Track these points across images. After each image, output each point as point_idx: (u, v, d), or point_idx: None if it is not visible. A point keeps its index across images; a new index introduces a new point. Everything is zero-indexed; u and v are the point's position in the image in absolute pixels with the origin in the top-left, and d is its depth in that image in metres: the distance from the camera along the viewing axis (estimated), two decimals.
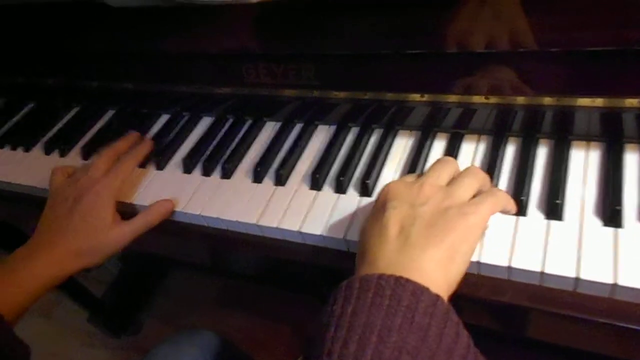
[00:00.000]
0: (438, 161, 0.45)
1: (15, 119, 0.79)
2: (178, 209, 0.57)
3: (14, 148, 0.73)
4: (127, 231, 0.55)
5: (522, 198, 0.46)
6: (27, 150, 0.72)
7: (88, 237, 0.54)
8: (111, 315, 1.35)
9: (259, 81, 0.60)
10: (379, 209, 0.41)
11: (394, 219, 0.39)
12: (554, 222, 0.44)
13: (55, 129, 0.75)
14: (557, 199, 0.45)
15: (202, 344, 0.64)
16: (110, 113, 0.75)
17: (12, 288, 0.50)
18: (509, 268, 0.43)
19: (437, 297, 0.34)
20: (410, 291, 0.33)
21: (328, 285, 0.56)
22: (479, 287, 0.45)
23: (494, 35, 0.48)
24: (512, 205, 0.45)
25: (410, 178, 0.45)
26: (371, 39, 0.52)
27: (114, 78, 0.71)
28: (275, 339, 1.23)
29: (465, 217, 0.38)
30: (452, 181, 0.42)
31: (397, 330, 0.31)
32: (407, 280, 0.34)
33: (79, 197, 0.55)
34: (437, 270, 0.36)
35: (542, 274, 0.42)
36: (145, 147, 0.63)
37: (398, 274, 0.34)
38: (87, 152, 0.69)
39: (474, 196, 0.42)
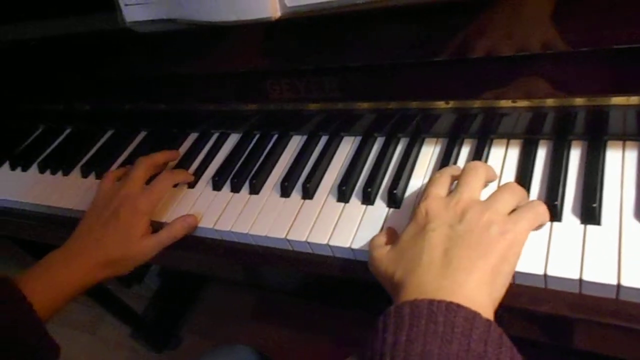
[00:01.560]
0: (468, 170, 0.44)
1: (54, 145, 0.82)
2: (209, 226, 0.58)
3: (53, 172, 0.76)
4: (153, 244, 0.57)
5: (556, 203, 0.44)
6: (65, 174, 0.75)
7: (119, 248, 0.56)
8: (152, 331, 1.38)
9: (283, 96, 0.60)
10: (419, 231, 0.40)
11: (435, 240, 0.38)
12: (590, 227, 0.43)
13: (91, 153, 0.77)
14: (594, 203, 0.43)
15: (239, 358, 0.64)
16: (142, 134, 0.77)
17: (46, 291, 0.53)
18: (545, 276, 0.41)
19: (490, 322, 0.33)
20: (463, 317, 0.33)
21: (364, 299, 0.55)
22: (517, 296, 0.43)
23: (520, 38, 0.46)
24: (548, 217, 0.43)
25: (443, 190, 0.44)
26: (393, 48, 0.52)
27: (144, 100, 0.73)
28: (313, 352, 1.23)
29: (505, 236, 0.38)
30: (490, 196, 0.41)
31: (454, 357, 0.31)
32: (459, 306, 0.33)
33: (117, 210, 0.57)
34: (482, 293, 0.36)
35: (580, 281, 0.40)
36: (184, 174, 0.65)
37: (448, 299, 0.34)
38: None
39: (513, 210, 0.41)
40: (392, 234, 0.47)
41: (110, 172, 0.64)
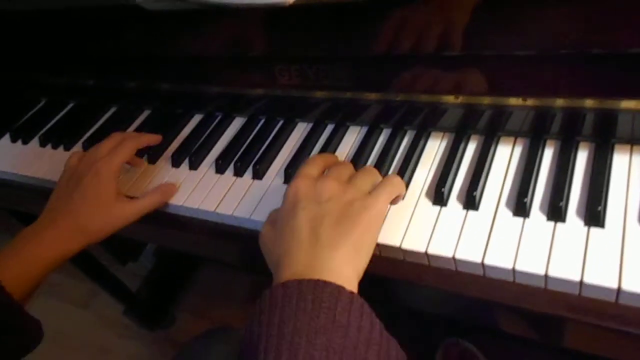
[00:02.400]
0: (338, 163, 0.49)
1: (56, 119, 0.81)
2: (211, 209, 0.58)
3: (55, 147, 0.76)
4: (131, 209, 0.57)
5: (561, 204, 0.44)
6: (67, 149, 0.75)
7: (89, 213, 0.55)
8: (145, 309, 1.38)
9: (291, 82, 0.60)
10: (289, 210, 0.43)
11: (304, 219, 0.41)
12: (594, 230, 0.43)
13: (93, 129, 0.77)
14: (599, 206, 0.43)
15: (231, 342, 0.65)
16: (146, 113, 0.77)
17: (19, 267, 0.52)
18: (546, 277, 0.41)
19: (352, 294, 0.37)
20: (329, 292, 0.36)
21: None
22: (516, 295, 0.44)
23: (532, 36, 0.46)
24: (404, 188, 0.49)
25: (314, 170, 0.47)
26: (405, 40, 0.52)
27: (149, 79, 0.72)
28: None
29: (368, 210, 0.42)
30: (351, 177, 0.46)
31: (322, 331, 0.34)
32: (325, 282, 0.37)
33: (81, 176, 0.57)
34: (347, 266, 0.40)
35: (581, 283, 0.40)
36: (150, 137, 0.64)
37: (316, 276, 0.37)
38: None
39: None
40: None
41: (74, 153, 0.63)
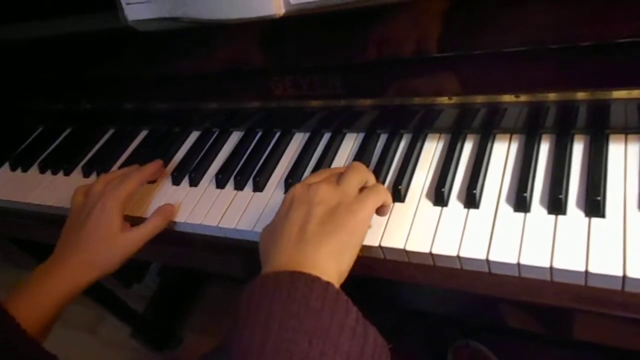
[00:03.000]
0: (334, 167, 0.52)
1: (54, 145, 0.82)
2: (213, 224, 0.58)
3: (54, 173, 0.76)
4: (135, 236, 0.58)
5: (560, 196, 0.45)
6: (66, 174, 0.75)
7: (96, 247, 0.56)
8: (152, 331, 1.38)
9: (286, 93, 0.60)
10: (284, 211, 0.46)
11: (295, 219, 0.44)
12: (595, 220, 0.43)
13: (92, 152, 0.77)
14: (598, 196, 0.44)
15: None
16: (143, 133, 0.77)
17: (33, 305, 0.53)
18: (551, 268, 0.42)
19: (328, 283, 0.38)
20: (304, 281, 0.38)
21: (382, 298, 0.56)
22: (523, 289, 0.44)
23: (519, 33, 0.47)
24: (390, 201, 0.51)
25: (313, 178, 0.50)
26: (396, 45, 0.52)
27: (145, 99, 0.73)
28: None
29: (353, 215, 0.44)
30: (340, 180, 0.48)
31: (295, 316, 0.36)
32: (301, 273, 0.39)
33: (88, 212, 0.58)
34: (329, 263, 0.41)
35: (586, 273, 0.40)
36: (154, 165, 0.64)
37: (297, 269, 0.39)
38: None
39: (362, 188, 0.49)
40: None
41: (78, 187, 0.63)
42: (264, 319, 0.37)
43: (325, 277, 0.39)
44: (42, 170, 0.77)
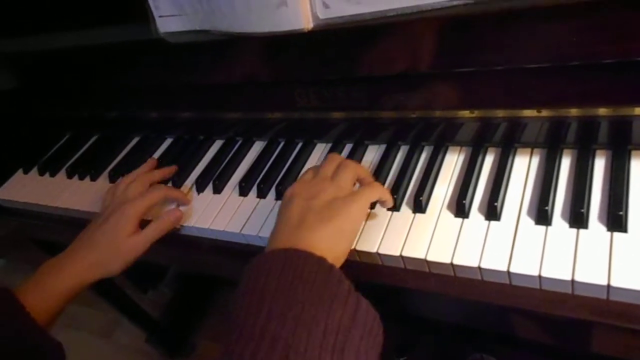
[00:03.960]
0: (327, 159, 0.54)
1: (81, 151, 0.84)
2: (235, 230, 0.60)
3: (81, 178, 0.78)
4: (140, 240, 0.60)
5: (582, 210, 0.45)
6: (93, 179, 0.77)
7: (106, 249, 0.59)
8: (166, 337, 1.39)
9: (309, 105, 0.62)
10: (285, 205, 0.50)
11: (294, 210, 0.48)
12: (617, 234, 0.44)
13: (118, 159, 0.79)
14: (620, 210, 0.44)
15: None
16: (168, 141, 0.79)
17: (40, 296, 0.56)
18: (573, 282, 0.42)
19: (320, 257, 0.41)
20: (297, 256, 0.41)
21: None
22: (543, 301, 0.45)
23: (543, 49, 0.48)
24: (389, 197, 0.53)
25: (309, 176, 0.53)
26: (418, 59, 0.54)
27: (171, 108, 0.75)
28: None
29: (347, 206, 0.47)
30: (336, 173, 0.51)
31: (288, 287, 0.39)
32: (296, 250, 0.42)
33: (108, 214, 0.61)
34: (323, 245, 0.44)
35: (608, 287, 0.41)
36: (177, 193, 0.66)
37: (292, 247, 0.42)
38: None
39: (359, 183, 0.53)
40: None
41: (110, 188, 0.67)
42: (260, 293, 0.39)
43: (317, 254, 0.42)
44: (70, 176, 0.79)
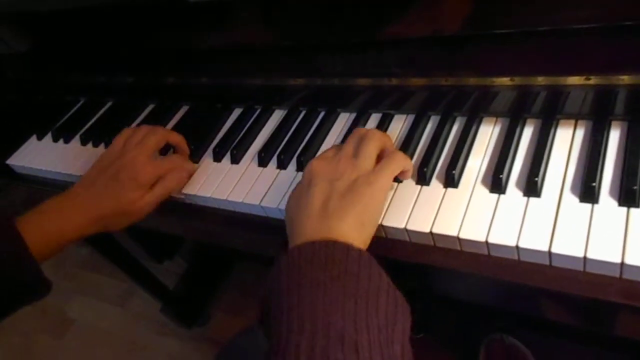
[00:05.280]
0: (351, 135, 0.51)
1: (95, 117, 0.82)
2: (255, 202, 0.57)
3: (95, 145, 0.76)
4: (149, 200, 0.59)
5: (635, 187, 0.42)
6: (107, 147, 0.74)
7: (113, 206, 0.57)
8: (181, 307, 1.39)
9: (334, 71, 0.58)
10: (305, 185, 0.48)
11: (317, 195, 0.46)
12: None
13: (132, 126, 0.77)
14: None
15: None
16: (184, 109, 0.76)
17: (38, 233, 0.54)
18: (622, 264, 0.39)
19: (360, 249, 0.41)
20: (339, 248, 0.41)
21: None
22: (555, 279, 0.42)
23: (593, 6, 0.43)
24: (410, 167, 0.51)
25: (331, 153, 0.51)
26: (452, 20, 0.49)
27: (188, 74, 0.72)
28: None
29: (370, 186, 0.46)
30: (358, 150, 0.49)
31: (336, 280, 0.38)
32: (335, 241, 0.41)
33: (118, 172, 0.58)
34: (353, 233, 0.44)
35: (622, 264, 0.38)
36: (181, 139, 0.65)
37: (327, 238, 0.42)
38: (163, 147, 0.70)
39: (381, 156, 0.50)
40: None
41: (125, 130, 0.64)
42: (309, 287, 0.38)
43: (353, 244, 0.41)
44: (84, 142, 0.77)
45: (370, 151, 0.49)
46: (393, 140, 0.58)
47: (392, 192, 0.52)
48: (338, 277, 0.38)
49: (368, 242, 0.45)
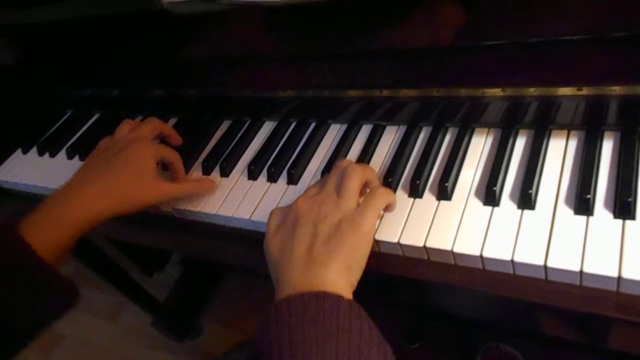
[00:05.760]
0: (333, 169, 0.50)
1: (82, 130, 0.80)
2: (245, 216, 0.56)
3: (82, 159, 0.74)
4: (166, 189, 0.56)
5: (630, 199, 0.41)
6: None
7: (126, 182, 0.54)
8: (173, 320, 1.37)
9: (324, 82, 0.57)
10: (290, 226, 0.47)
11: (302, 239, 0.45)
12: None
13: None
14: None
15: None
16: (173, 121, 0.75)
17: (47, 229, 0.50)
18: (581, 273, 0.39)
19: (350, 301, 0.41)
20: (330, 301, 0.40)
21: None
22: (551, 294, 0.42)
23: (585, 17, 0.43)
24: (393, 198, 0.49)
25: (314, 190, 0.49)
26: (445, 31, 0.49)
27: (175, 86, 0.71)
28: None
29: (355, 229, 0.45)
30: (340, 187, 0.48)
31: (329, 336, 0.38)
32: (325, 293, 0.40)
33: (121, 149, 0.56)
34: (340, 279, 0.43)
35: (619, 279, 0.38)
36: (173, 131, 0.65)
37: (315, 289, 0.41)
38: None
39: (365, 188, 0.49)
40: (287, 212, 0.49)
41: (125, 122, 0.62)
42: (301, 343, 0.38)
43: (342, 293, 0.41)
44: (70, 156, 0.75)
45: (353, 188, 0.47)
46: (386, 151, 0.58)
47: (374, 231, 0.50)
48: (330, 335, 0.38)
49: (355, 283, 0.44)
